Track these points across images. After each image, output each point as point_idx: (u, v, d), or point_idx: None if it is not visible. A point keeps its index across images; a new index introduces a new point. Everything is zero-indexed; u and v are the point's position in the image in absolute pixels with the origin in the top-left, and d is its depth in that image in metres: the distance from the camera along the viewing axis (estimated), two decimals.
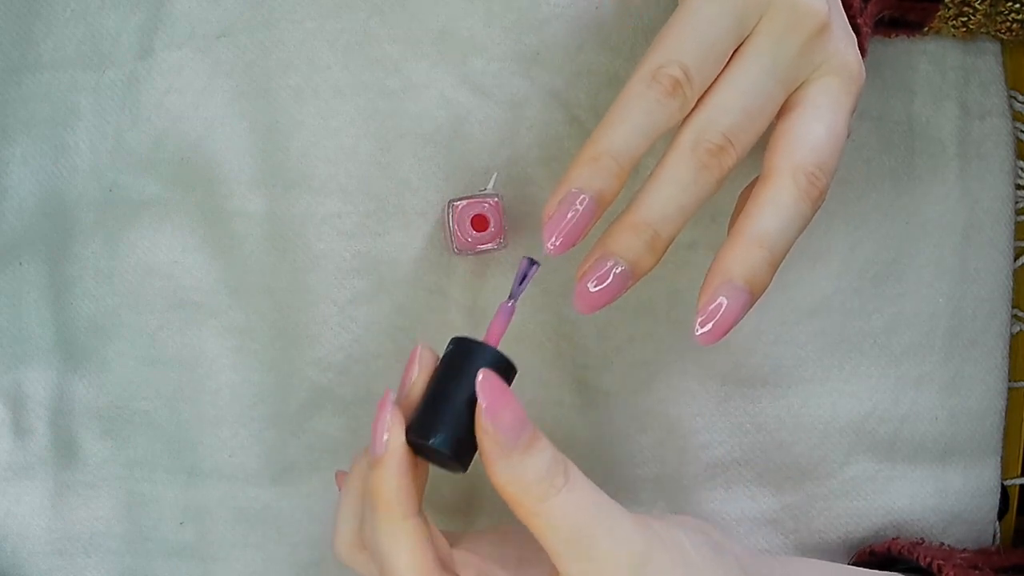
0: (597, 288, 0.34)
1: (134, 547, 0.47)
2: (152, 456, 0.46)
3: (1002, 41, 0.48)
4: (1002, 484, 0.49)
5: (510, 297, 0.35)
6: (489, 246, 0.43)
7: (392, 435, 0.33)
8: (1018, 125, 0.48)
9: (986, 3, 0.43)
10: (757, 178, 0.35)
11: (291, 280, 0.46)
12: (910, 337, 0.47)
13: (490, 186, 0.45)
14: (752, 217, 0.34)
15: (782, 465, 0.47)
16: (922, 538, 0.47)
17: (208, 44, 0.45)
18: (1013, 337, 0.48)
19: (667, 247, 0.35)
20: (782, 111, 0.35)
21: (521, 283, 0.35)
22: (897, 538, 0.46)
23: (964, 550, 0.45)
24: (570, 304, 0.46)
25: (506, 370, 0.34)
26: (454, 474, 0.35)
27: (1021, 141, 0.48)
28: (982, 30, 0.45)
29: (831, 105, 0.35)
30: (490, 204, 0.43)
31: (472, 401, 0.32)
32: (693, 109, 0.34)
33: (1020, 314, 0.49)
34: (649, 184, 0.34)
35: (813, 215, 0.34)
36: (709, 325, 0.34)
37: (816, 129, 0.35)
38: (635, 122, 0.33)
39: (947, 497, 0.48)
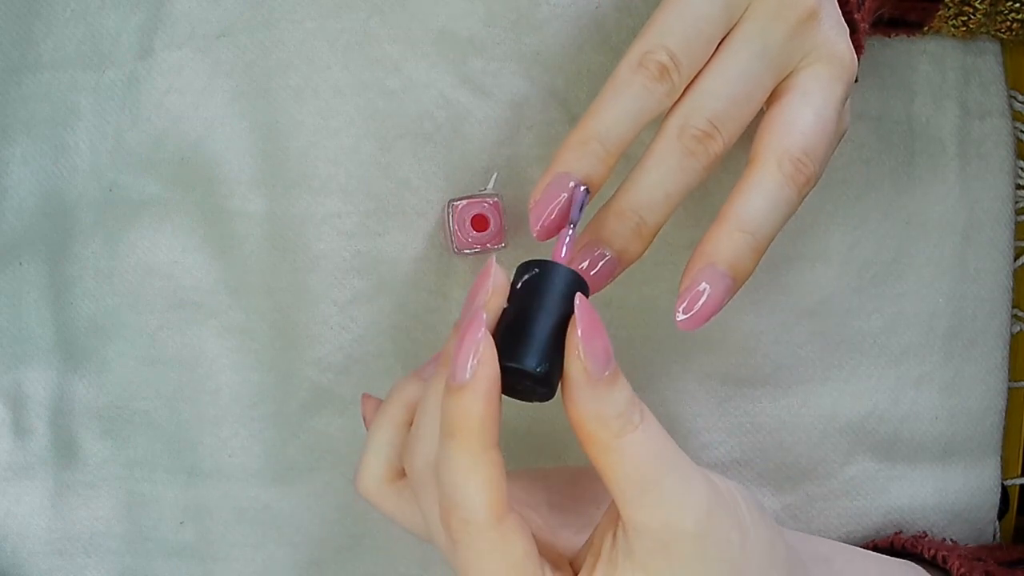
0: (591, 279, 0.34)
1: (134, 547, 0.47)
2: (152, 456, 0.46)
3: (1002, 41, 0.48)
4: (1002, 484, 0.49)
5: (570, 223, 0.34)
6: (489, 246, 0.43)
7: (484, 359, 0.30)
8: (1018, 125, 0.48)
9: (986, 3, 0.43)
10: None
11: (291, 280, 0.46)
12: (910, 337, 0.47)
13: (490, 186, 0.45)
14: (736, 202, 0.34)
15: (782, 465, 0.47)
16: (925, 532, 0.47)
17: (208, 44, 0.45)
18: (1013, 337, 0.48)
19: (654, 234, 0.34)
20: (771, 98, 0.36)
21: (580, 210, 0.34)
22: (900, 532, 0.46)
23: (966, 546, 0.45)
24: None
25: (583, 289, 0.32)
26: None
27: (1021, 141, 0.48)
28: (982, 30, 0.45)
29: (820, 92, 0.35)
30: (490, 204, 0.43)
31: (559, 326, 0.31)
32: (684, 91, 0.34)
33: (1020, 314, 0.49)
34: (635, 171, 0.34)
35: (800, 201, 0.34)
36: (691, 311, 0.33)
37: (804, 115, 0.35)
38: (623, 107, 0.33)
39: (947, 497, 0.48)
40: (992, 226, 0.48)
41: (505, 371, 0.31)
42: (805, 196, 0.35)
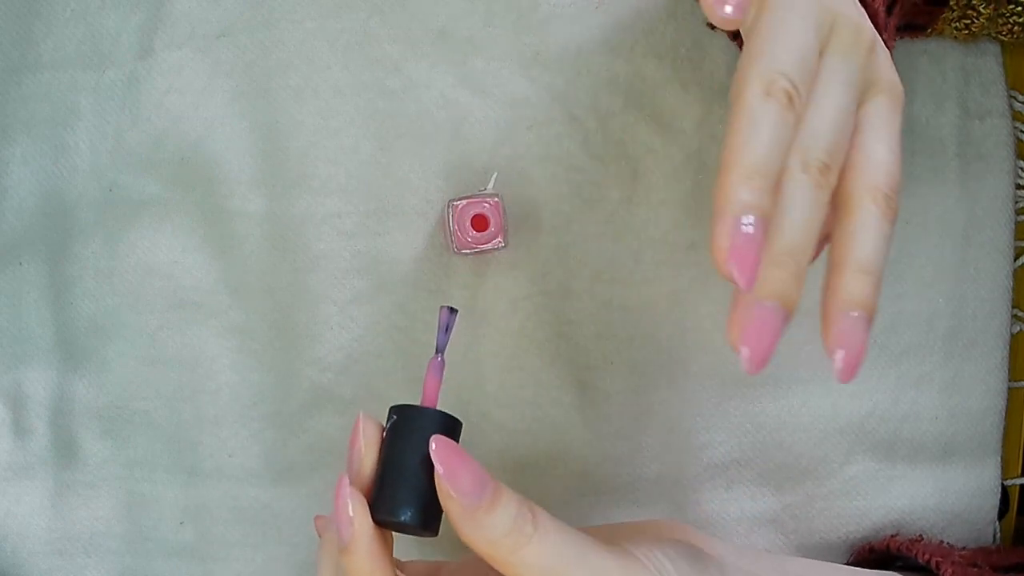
0: (763, 330, 0.32)
1: (134, 547, 0.47)
2: (152, 456, 0.46)
3: (1002, 42, 0.48)
4: (1002, 484, 0.49)
5: (437, 351, 0.35)
6: (489, 246, 0.43)
7: (357, 519, 0.33)
8: (1018, 125, 0.48)
9: (990, 7, 0.43)
10: None
11: (291, 280, 0.46)
12: (910, 337, 0.47)
13: (490, 186, 0.45)
14: (851, 247, 0.33)
15: (782, 465, 0.47)
16: (920, 535, 0.47)
17: (208, 44, 0.45)
18: (1013, 337, 0.48)
19: (804, 276, 0.33)
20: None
21: (445, 333, 0.35)
22: (896, 535, 0.46)
23: (963, 548, 0.45)
24: (570, 305, 0.46)
25: (453, 428, 0.34)
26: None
27: (1021, 141, 0.48)
28: (984, 32, 0.45)
29: (888, 125, 0.35)
30: (490, 204, 0.43)
31: (428, 467, 0.33)
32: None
33: (1020, 314, 0.49)
34: (778, 216, 0.32)
35: (892, 234, 0.34)
36: (848, 364, 0.32)
37: (881, 150, 0.34)
38: (768, 137, 0.31)
39: (947, 497, 0.48)
40: (992, 226, 0.48)
41: (385, 522, 0.33)
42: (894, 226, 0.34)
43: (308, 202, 0.45)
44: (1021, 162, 0.48)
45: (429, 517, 0.33)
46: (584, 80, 0.45)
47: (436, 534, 0.34)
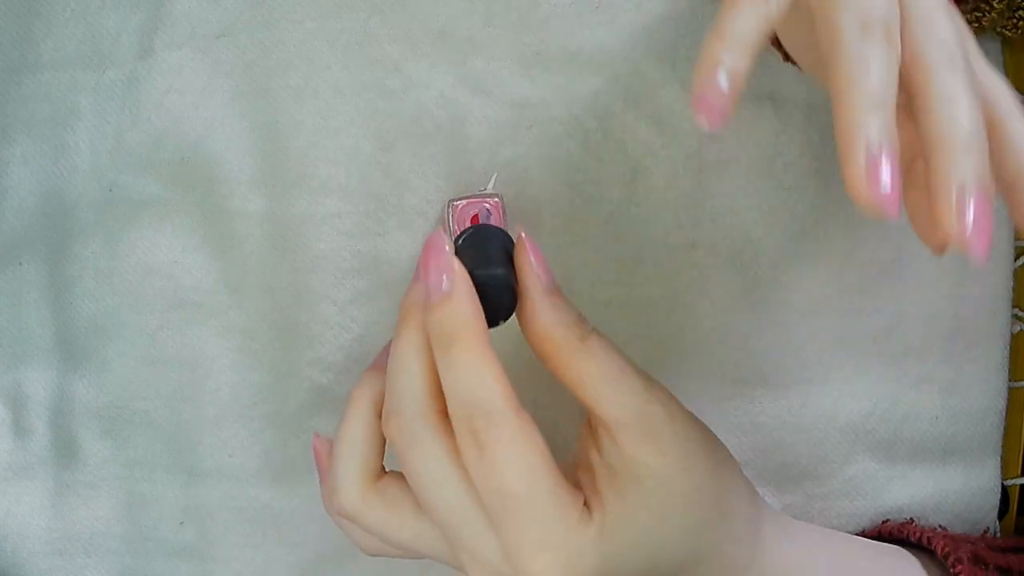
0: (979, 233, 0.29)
1: (134, 547, 0.47)
2: (152, 456, 0.46)
3: (1003, 40, 0.48)
4: (1002, 484, 0.49)
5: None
6: None
7: (456, 268, 0.34)
8: None
9: (1003, 2, 0.43)
10: None
11: (291, 280, 0.46)
12: (910, 337, 0.47)
13: (490, 186, 0.45)
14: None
15: (782, 465, 0.47)
16: (911, 518, 0.47)
17: (208, 44, 0.45)
18: (1013, 337, 0.48)
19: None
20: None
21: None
22: (888, 521, 0.47)
23: (959, 534, 0.45)
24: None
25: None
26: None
27: None
28: (993, 26, 0.45)
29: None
30: (490, 204, 0.43)
31: (507, 257, 0.35)
32: (911, 43, 0.31)
33: (1020, 314, 0.49)
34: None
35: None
36: (976, 234, 0.29)
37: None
38: (881, 67, 0.30)
39: (947, 497, 0.48)
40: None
41: (479, 277, 0.34)
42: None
43: (308, 202, 0.45)
44: None
45: (511, 291, 0.35)
46: (584, 80, 0.45)
47: (511, 311, 0.35)
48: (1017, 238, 0.48)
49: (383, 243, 0.46)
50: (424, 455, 0.34)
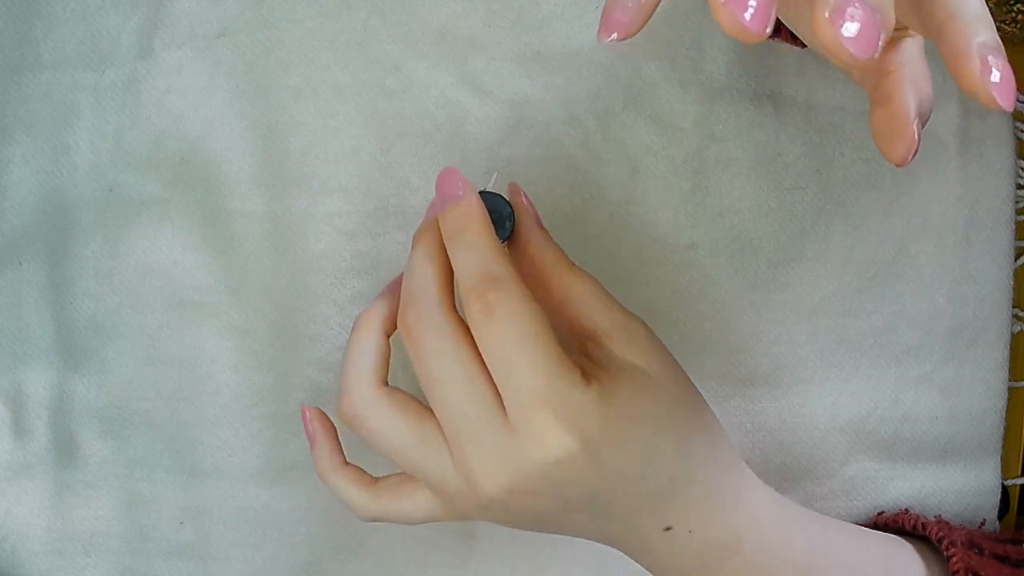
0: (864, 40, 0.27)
1: (134, 547, 0.47)
2: (152, 456, 0.46)
3: (1005, 31, 0.48)
4: (1002, 484, 0.49)
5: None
6: None
7: (466, 184, 0.37)
8: (1018, 125, 0.48)
9: None
10: None
11: (291, 280, 0.46)
12: (910, 337, 0.47)
13: (490, 186, 0.45)
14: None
15: (782, 465, 0.47)
16: (906, 508, 0.47)
17: (208, 44, 0.45)
18: (1013, 337, 0.48)
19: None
20: None
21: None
22: (883, 512, 0.47)
23: (956, 525, 0.45)
24: None
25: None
26: None
27: (1021, 141, 0.48)
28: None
29: None
30: None
31: (505, 203, 0.39)
32: None
33: (1020, 314, 0.49)
34: None
35: None
36: (1003, 85, 0.28)
37: None
38: None
39: (947, 497, 0.48)
40: (992, 226, 0.48)
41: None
42: None
43: (308, 202, 0.45)
44: (1021, 162, 0.48)
45: (510, 215, 0.39)
46: (584, 80, 0.45)
47: (504, 239, 0.38)
48: (1018, 238, 0.48)
49: (383, 243, 0.46)
50: (437, 337, 0.35)
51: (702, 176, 0.46)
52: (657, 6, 0.31)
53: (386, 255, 0.46)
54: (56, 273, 0.46)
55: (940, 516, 0.47)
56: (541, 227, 0.39)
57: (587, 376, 0.35)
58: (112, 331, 0.46)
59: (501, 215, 0.39)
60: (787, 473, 0.47)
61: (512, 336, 0.34)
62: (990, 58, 0.28)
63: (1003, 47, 0.28)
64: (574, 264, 0.38)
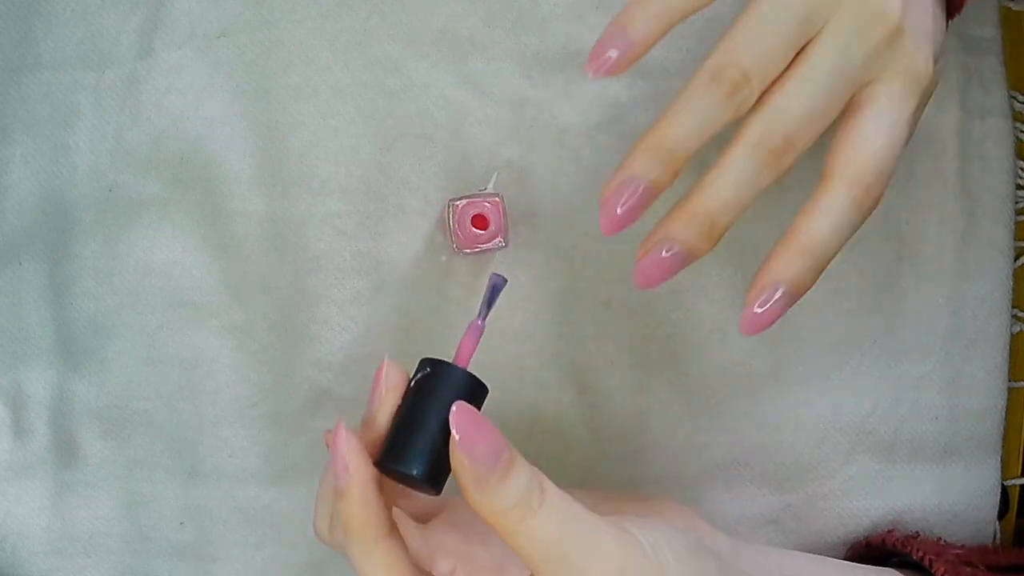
0: (654, 267, 0.35)
1: (134, 547, 0.47)
2: (152, 456, 0.46)
3: (1003, 39, 0.48)
4: (1002, 484, 0.49)
5: (479, 315, 0.35)
6: (489, 246, 0.43)
7: (352, 465, 0.33)
8: (1018, 125, 0.48)
9: None
10: None
11: (291, 280, 0.46)
12: (910, 337, 0.47)
13: (490, 186, 0.45)
14: (803, 224, 0.35)
15: (782, 465, 0.47)
16: (918, 531, 0.47)
17: (208, 44, 0.45)
18: (1013, 337, 0.48)
19: (723, 234, 0.36)
20: (845, 110, 0.36)
21: (491, 301, 0.35)
22: (893, 530, 0.46)
23: (961, 545, 0.45)
24: (570, 305, 0.46)
25: (477, 392, 0.34)
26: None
27: (1021, 141, 0.48)
28: None
29: (894, 110, 0.35)
30: (490, 204, 0.43)
31: (446, 427, 0.32)
32: (760, 104, 0.35)
33: (1020, 314, 0.49)
34: (711, 175, 0.35)
35: (862, 222, 0.35)
36: (754, 321, 0.35)
37: (878, 136, 0.35)
38: (694, 119, 0.35)
39: (947, 497, 0.48)
40: (992, 226, 0.48)
41: (390, 471, 0.33)
42: (869, 216, 0.36)
43: (308, 202, 0.45)
44: (1021, 162, 0.48)
45: (438, 475, 0.33)
46: (584, 80, 0.45)
47: (439, 493, 0.34)
48: (1018, 238, 0.48)
49: (383, 243, 0.46)
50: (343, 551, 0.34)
51: (702, 176, 0.46)
52: (646, 52, 0.35)
53: (386, 255, 0.46)
54: (56, 273, 0.46)
55: (945, 540, 0.46)
56: (489, 478, 0.31)
57: None
58: (112, 331, 0.46)
59: (416, 483, 0.33)
60: (787, 473, 0.47)
61: None
62: (767, 296, 0.35)
63: (801, 285, 0.35)
64: (540, 503, 0.32)
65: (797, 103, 0.34)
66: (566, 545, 0.32)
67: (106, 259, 0.46)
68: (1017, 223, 0.48)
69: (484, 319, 0.35)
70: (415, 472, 0.33)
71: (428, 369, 0.34)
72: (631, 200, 0.35)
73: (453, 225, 0.43)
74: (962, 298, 0.47)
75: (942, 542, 0.46)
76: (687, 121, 0.35)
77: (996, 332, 0.48)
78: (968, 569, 0.42)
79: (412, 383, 0.34)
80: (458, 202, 0.43)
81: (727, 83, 0.34)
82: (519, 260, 0.46)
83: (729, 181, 0.35)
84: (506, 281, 0.36)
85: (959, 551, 0.44)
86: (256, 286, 0.46)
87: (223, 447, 0.46)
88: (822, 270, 0.35)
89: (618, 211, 0.35)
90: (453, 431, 0.31)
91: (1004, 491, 0.49)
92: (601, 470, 0.46)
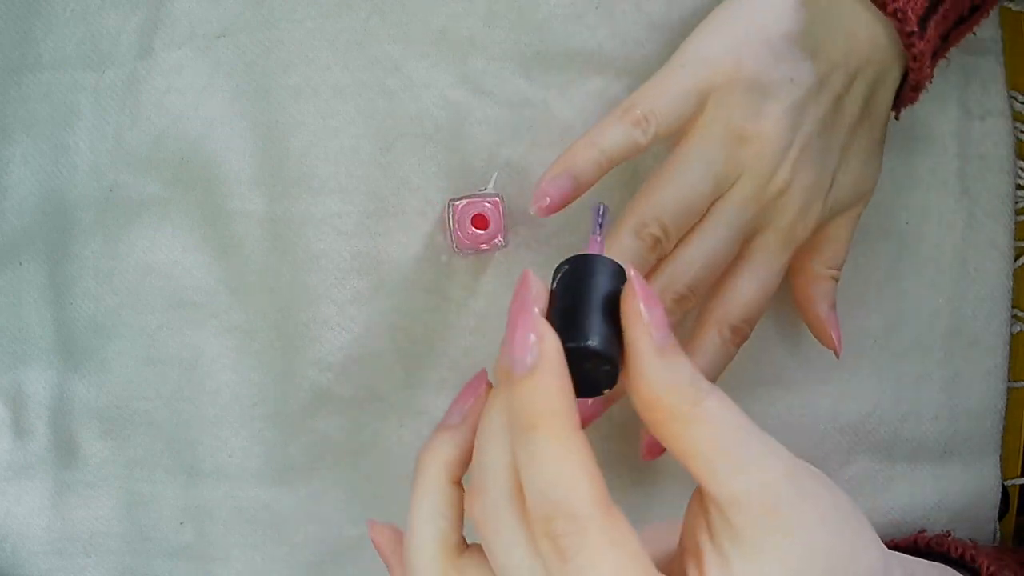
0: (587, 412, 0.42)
1: (134, 547, 0.47)
2: (152, 456, 0.46)
3: (1003, 39, 0.48)
4: (1002, 484, 0.49)
5: (595, 234, 0.32)
6: (489, 246, 0.43)
7: (546, 336, 0.27)
8: (1018, 125, 0.48)
9: None
10: None
11: (291, 280, 0.46)
12: (910, 337, 0.47)
13: (490, 186, 0.45)
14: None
15: None
16: (949, 531, 0.46)
17: (208, 44, 0.45)
18: (1013, 337, 0.48)
19: None
20: None
21: (601, 224, 0.32)
22: (924, 531, 0.46)
23: (989, 546, 0.45)
24: None
25: (622, 274, 0.30)
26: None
27: (1021, 141, 0.48)
28: None
29: (767, 263, 0.41)
30: (490, 204, 0.43)
31: (609, 307, 0.28)
32: (668, 255, 0.40)
33: (1020, 314, 0.49)
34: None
35: (736, 352, 0.42)
36: (652, 446, 0.42)
37: (749, 286, 0.41)
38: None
39: (947, 497, 0.48)
40: (992, 226, 0.48)
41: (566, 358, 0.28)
42: (742, 345, 0.42)
43: (308, 202, 0.45)
44: (1021, 162, 0.48)
45: (614, 352, 0.28)
46: (584, 80, 0.45)
47: (614, 380, 0.29)
48: (1018, 238, 0.48)
49: (383, 243, 0.46)
50: (507, 544, 0.29)
51: None
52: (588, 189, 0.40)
53: (386, 255, 0.46)
54: (56, 273, 0.46)
55: (975, 541, 0.45)
56: (662, 354, 0.28)
57: None
58: (112, 331, 0.46)
59: (597, 359, 0.28)
60: None
61: None
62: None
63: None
64: (704, 399, 0.28)
65: (700, 257, 0.40)
66: (745, 431, 0.29)
67: (106, 259, 0.46)
68: (1017, 223, 0.48)
69: (602, 238, 0.32)
70: (593, 342, 0.28)
71: (567, 267, 0.30)
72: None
73: (453, 225, 0.43)
74: (962, 298, 0.47)
75: (973, 543, 0.45)
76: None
77: (996, 332, 0.48)
78: (1005, 563, 0.42)
79: (555, 286, 0.30)
80: (458, 202, 0.43)
81: (650, 239, 0.39)
82: (519, 260, 0.46)
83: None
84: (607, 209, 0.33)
85: (989, 549, 0.44)
86: (256, 286, 0.46)
87: (223, 447, 0.46)
88: None
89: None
90: (637, 290, 0.28)
91: (1004, 491, 0.49)
92: (601, 471, 0.46)
